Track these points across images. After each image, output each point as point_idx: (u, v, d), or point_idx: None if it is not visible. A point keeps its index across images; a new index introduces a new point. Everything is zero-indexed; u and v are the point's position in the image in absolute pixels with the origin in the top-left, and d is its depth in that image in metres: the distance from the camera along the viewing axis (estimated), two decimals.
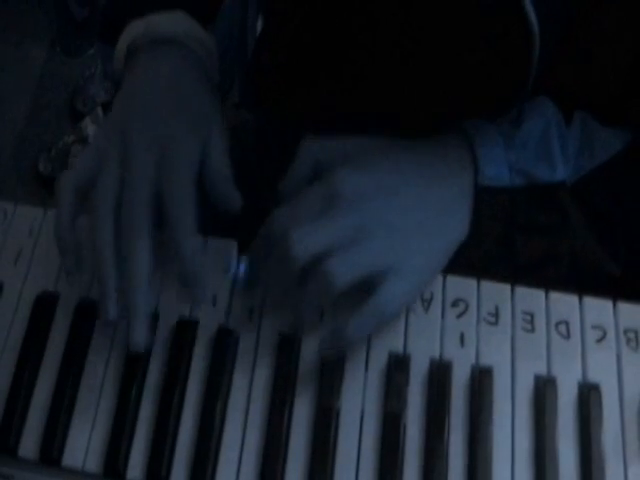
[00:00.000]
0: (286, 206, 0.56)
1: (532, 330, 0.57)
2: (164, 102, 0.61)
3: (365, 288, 0.55)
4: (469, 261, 0.59)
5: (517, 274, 0.61)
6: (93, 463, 0.55)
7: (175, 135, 0.59)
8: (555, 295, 0.58)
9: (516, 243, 0.59)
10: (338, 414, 0.55)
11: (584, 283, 0.63)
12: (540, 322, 0.58)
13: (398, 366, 0.56)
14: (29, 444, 0.56)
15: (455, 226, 0.58)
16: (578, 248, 0.60)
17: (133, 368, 0.57)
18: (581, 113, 0.62)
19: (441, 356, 0.57)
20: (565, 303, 0.58)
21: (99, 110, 1.61)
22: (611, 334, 0.57)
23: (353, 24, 0.68)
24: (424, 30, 0.63)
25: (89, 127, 1.60)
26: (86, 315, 0.59)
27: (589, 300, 0.58)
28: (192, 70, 0.65)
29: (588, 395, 0.55)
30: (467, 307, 0.58)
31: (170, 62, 0.64)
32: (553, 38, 0.58)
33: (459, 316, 0.58)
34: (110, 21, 0.70)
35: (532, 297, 0.58)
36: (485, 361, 0.57)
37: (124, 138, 0.59)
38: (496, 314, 0.58)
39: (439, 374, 0.56)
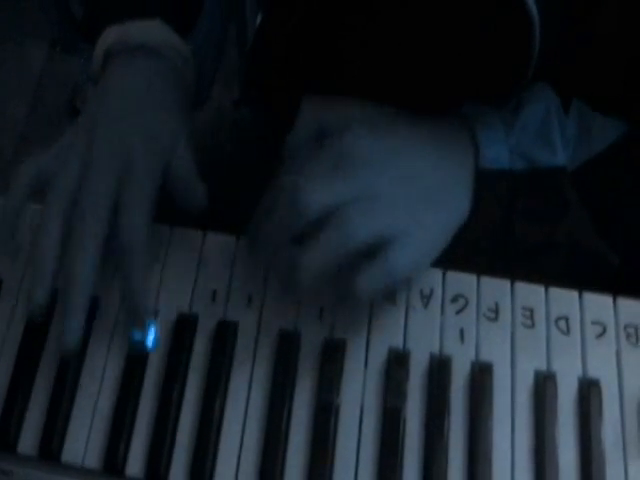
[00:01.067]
0: (295, 167, 0.56)
1: (532, 326, 0.57)
2: (132, 112, 0.61)
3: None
4: (466, 248, 0.59)
5: (515, 260, 0.61)
6: (93, 459, 0.55)
7: (139, 148, 0.59)
8: (555, 290, 0.58)
9: (515, 229, 0.59)
10: (338, 409, 0.55)
11: (583, 272, 0.62)
12: (540, 318, 0.58)
13: (398, 362, 0.56)
14: (28, 440, 0.56)
15: (457, 203, 0.58)
16: (577, 235, 0.60)
17: (133, 364, 0.57)
18: (578, 102, 0.62)
19: (441, 352, 0.57)
20: (565, 299, 0.58)
21: None
22: (611, 330, 0.57)
23: (352, 15, 0.68)
24: (424, 19, 0.63)
25: None
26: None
27: (589, 296, 0.58)
28: (164, 80, 0.64)
29: (588, 391, 0.55)
30: (467, 303, 0.58)
31: (142, 71, 0.64)
32: (554, 27, 0.59)
33: (459, 312, 0.58)
34: (90, 24, 0.70)
35: (532, 293, 0.58)
36: (485, 357, 0.57)
37: (89, 143, 0.59)
38: (496, 310, 0.58)
39: (439, 370, 0.56)
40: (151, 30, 0.65)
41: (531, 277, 0.59)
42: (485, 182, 0.59)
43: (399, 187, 0.55)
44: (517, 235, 0.60)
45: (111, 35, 0.65)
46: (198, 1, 0.71)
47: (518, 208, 0.59)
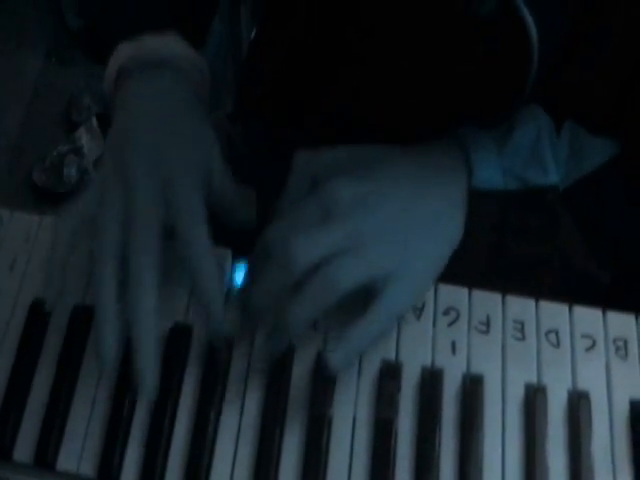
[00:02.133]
0: (282, 218, 0.57)
1: (522, 339, 0.58)
2: (161, 129, 0.60)
3: (363, 297, 0.55)
4: (460, 266, 0.60)
5: (508, 279, 0.62)
6: (88, 467, 0.55)
7: (175, 160, 0.58)
8: (545, 304, 0.59)
9: (507, 247, 0.60)
10: (330, 421, 0.56)
11: (575, 289, 0.63)
12: (530, 331, 0.58)
13: (390, 374, 0.57)
14: (24, 447, 0.56)
15: (451, 231, 0.59)
16: (568, 253, 0.61)
17: (128, 373, 0.57)
18: (570, 122, 0.63)
19: (432, 364, 0.58)
20: (555, 312, 0.59)
21: (94, 120, 1.62)
22: (600, 343, 0.58)
23: (348, 33, 0.68)
24: (421, 37, 0.64)
25: (84, 137, 1.60)
26: (81, 321, 0.60)
27: (579, 309, 0.59)
28: (185, 92, 0.64)
29: (578, 403, 0.55)
30: (458, 315, 0.59)
31: (164, 86, 0.63)
32: (552, 46, 0.59)
33: (450, 324, 0.59)
34: (99, 41, 0.69)
35: (523, 306, 0.59)
36: (476, 369, 0.57)
37: (124, 169, 0.57)
38: (487, 323, 0.59)
39: (430, 382, 0.56)
40: (168, 44, 0.64)
41: (523, 292, 0.60)
42: (478, 203, 0.59)
43: (392, 226, 0.56)
44: (509, 252, 0.60)
45: (126, 50, 0.64)
46: (208, 15, 0.72)
47: (510, 226, 0.60)
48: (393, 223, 0.56)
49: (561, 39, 0.60)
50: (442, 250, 0.59)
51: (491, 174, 0.60)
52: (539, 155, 0.60)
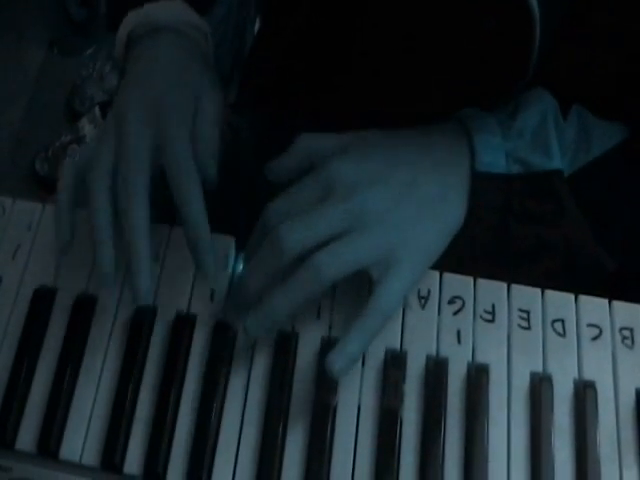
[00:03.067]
0: (282, 197, 0.57)
1: (528, 328, 0.58)
2: (158, 79, 0.63)
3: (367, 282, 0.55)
4: (463, 250, 0.60)
5: (512, 263, 0.62)
6: (90, 456, 0.55)
7: (171, 110, 0.60)
8: (551, 293, 0.59)
9: (510, 231, 0.59)
10: (335, 410, 0.55)
11: (579, 275, 0.63)
12: (536, 320, 0.58)
13: (395, 363, 0.57)
14: (27, 437, 0.56)
15: (451, 214, 0.59)
16: (574, 238, 0.60)
17: (131, 362, 0.57)
18: (578, 106, 0.62)
19: (437, 353, 0.57)
20: (561, 301, 0.59)
21: (96, 110, 1.61)
22: (607, 332, 0.58)
23: (350, 16, 0.68)
24: (424, 18, 0.64)
25: (86, 127, 1.60)
26: (84, 309, 0.59)
27: (585, 298, 0.59)
28: (186, 49, 0.67)
29: (584, 392, 0.55)
30: (463, 304, 0.58)
31: (166, 45, 0.67)
32: (553, 24, 0.59)
33: (455, 313, 0.58)
34: (113, 11, 0.74)
35: (528, 295, 0.59)
36: (481, 358, 0.57)
37: (121, 117, 0.60)
38: (492, 311, 0.58)
39: (435, 371, 0.56)
40: (171, 10, 0.69)
41: (528, 280, 0.60)
42: (481, 186, 0.59)
43: (389, 210, 0.56)
44: (512, 237, 0.60)
45: (133, 18, 0.68)
46: None
47: (513, 210, 0.60)
48: (389, 208, 0.56)
49: (563, 16, 0.59)
50: (440, 235, 0.58)
51: (494, 158, 0.59)
52: (543, 139, 0.60)
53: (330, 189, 0.55)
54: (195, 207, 0.56)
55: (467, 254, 0.60)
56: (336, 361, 0.53)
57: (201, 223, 0.56)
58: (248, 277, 0.56)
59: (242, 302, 0.57)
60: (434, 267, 0.58)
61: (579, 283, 0.60)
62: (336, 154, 0.57)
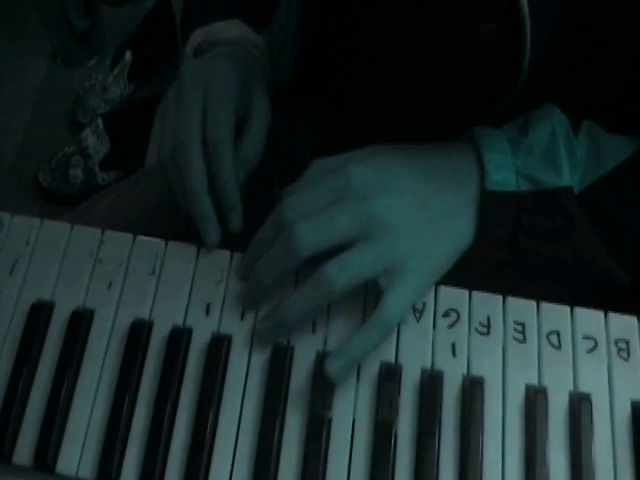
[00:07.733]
0: (298, 194, 0.57)
1: (523, 340, 0.58)
2: (212, 65, 0.69)
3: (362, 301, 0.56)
4: (478, 267, 0.60)
5: (522, 280, 0.62)
6: (87, 470, 0.55)
7: (218, 74, 0.67)
8: (546, 305, 0.59)
9: (520, 247, 0.59)
10: (330, 424, 0.56)
11: (592, 290, 0.63)
12: (531, 332, 0.58)
13: (389, 376, 0.57)
14: (23, 450, 0.56)
15: (459, 231, 0.59)
16: (584, 253, 0.60)
17: (127, 376, 0.58)
18: (588, 121, 0.63)
19: (432, 366, 0.57)
20: (556, 313, 0.59)
21: (99, 121, 1.62)
22: (602, 344, 0.58)
23: (356, 20, 0.70)
24: (418, 29, 0.65)
25: (89, 138, 1.60)
26: (81, 324, 0.60)
27: (580, 310, 0.59)
28: (241, 59, 0.72)
29: (579, 405, 0.55)
30: (459, 317, 0.59)
31: (224, 53, 0.72)
32: (546, 35, 0.59)
33: (451, 326, 0.58)
34: (183, 27, 0.82)
35: (523, 307, 0.59)
36: (476, 371, 0.57)
37: (180, 91, 0.67)
38: (487, 324, 0.58)
39: (430, 384, 0.56)
40: (230, 28, 0.77)
41: (552, 295, 0.60)
42: (491, 204, 0.59)
43: (398, 221, 0.56)
44: (523, 254, 0.60)
45: (198, 35, 0.77)
46: (270, 2, 0.82)
47: (523, 227, 0.60)
48: (399, 219, 0.56)
49: (555, 27, 0.60)
50: (450, 250, 0.59)
51: (504, 176, 0.60)
52: (553, 155, 0.60)
53: (345, 193, 0.56)
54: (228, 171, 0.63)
55: (485, 271, 0.61)
56: (335, 363, 0.54)
57: (230, 192, 0.63)
58: (259, 273, 0.57)
59: (252, 295, 0.59)
60: (452, 283, 0.59)
61: (590, 297, 0.60)
62: (350, 161, 0.58)
